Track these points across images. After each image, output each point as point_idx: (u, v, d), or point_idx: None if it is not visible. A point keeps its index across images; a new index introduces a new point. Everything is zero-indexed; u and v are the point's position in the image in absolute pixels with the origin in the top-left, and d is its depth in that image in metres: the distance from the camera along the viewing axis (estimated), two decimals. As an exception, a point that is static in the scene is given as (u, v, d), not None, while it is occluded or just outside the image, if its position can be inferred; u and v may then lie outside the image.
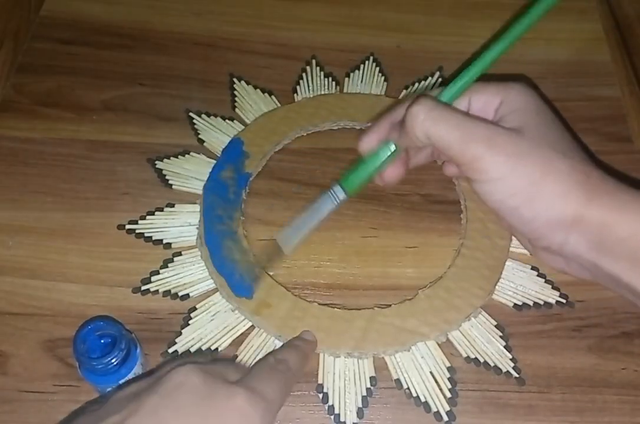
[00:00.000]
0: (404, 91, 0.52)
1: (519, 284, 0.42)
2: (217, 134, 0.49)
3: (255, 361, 0.39)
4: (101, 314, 0.40)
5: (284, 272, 0.43)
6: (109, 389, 0.36)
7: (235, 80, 0.52)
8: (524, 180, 0.32)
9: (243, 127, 0.49)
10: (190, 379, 0.30)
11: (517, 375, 0.39)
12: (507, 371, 0.39)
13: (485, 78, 0.36)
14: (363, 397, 0.38)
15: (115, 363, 0.34)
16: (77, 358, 0.34)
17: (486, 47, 0.35)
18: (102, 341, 0.35)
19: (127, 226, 0.44)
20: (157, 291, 0.42)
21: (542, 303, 0.42)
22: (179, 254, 0.43)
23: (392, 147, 0.36)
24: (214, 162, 0.47)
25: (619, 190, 0.33)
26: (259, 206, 0.46)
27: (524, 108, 0.35)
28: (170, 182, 0.46)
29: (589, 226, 0.32)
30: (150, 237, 0.44)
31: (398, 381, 0.39)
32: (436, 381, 0.39)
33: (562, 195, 0.32)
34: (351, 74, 0.53)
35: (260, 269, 0.42)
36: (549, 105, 0.36)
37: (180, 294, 0.42)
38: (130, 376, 0.36)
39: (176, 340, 0.40)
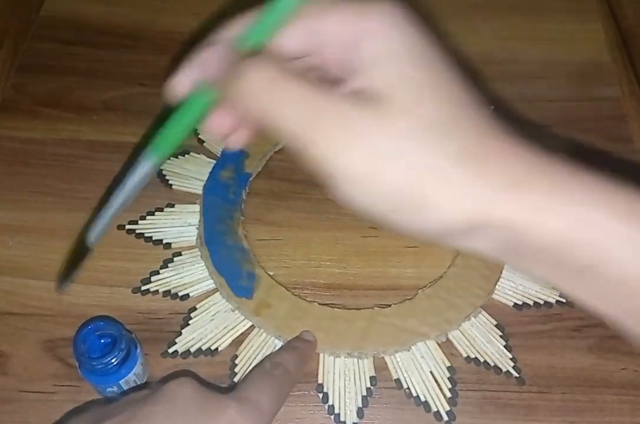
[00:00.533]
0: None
1: (519, 283, 0.42)
2: (217, 134, 0.49)
3: (255, 361, 0.39)
4: (101, 314, 0.40)
5: (284, 272, 0.43)
6: (109, 389, 0.36)
7: (235, 80, 0.52)
8: (393, 180, 0.22)
9: (243, 127, 0.49)
10: (184, 390, 0.30)
11: (517, 375, 0.39)
12: (507, 371, 0.39)
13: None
14: (363, 397, 0.38)
15: (115, 363, 0.34)
16: (77, 358, 0.34)
17: None
18: (102, 341, 0.35)
19: (127, 227, 0.44)
20: (157, 291, 0.42)
21: (542, 302, 0.42)
22: (179, 254, 0.43)
23: (210, 93, 0.25)
24: (214, 162, 0.47)
25: (541, 173, 0.23)
26: (259, 206, 0.46)
27: (398, 52, 0.23)
28: (170, 182, 0.46)
29: (493, 233, 0.23)
30: (150, 237, 0.44)
31: (398, 381, 0.39)
32: (436, 381, 0.39)
33: (448, 196, 0.22)
34: (351, 74, 0.53)
35: (67, 269, 0.35)
36: (434, 37, 0.24)
37: (180, 294, 0.42)
38: (130, 376, 0.36)
39: (176, 340, 0.40)
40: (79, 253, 0.33)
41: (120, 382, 0.35)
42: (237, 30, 0.25)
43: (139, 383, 0.37)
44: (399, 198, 0.23)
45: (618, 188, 0.23)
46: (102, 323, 0.35)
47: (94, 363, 0.34)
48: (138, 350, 0.36)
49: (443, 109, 0.23)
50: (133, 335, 0.37)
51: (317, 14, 0.24)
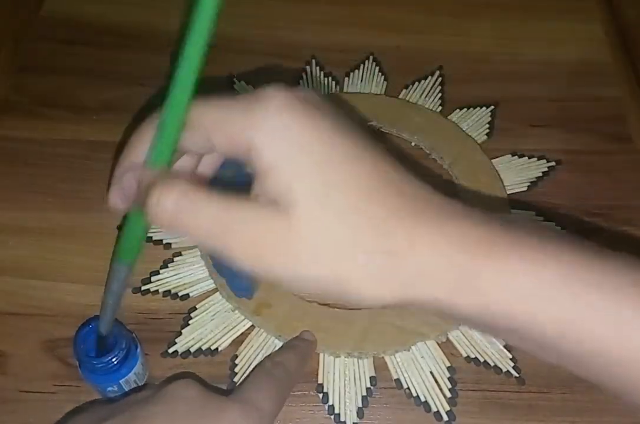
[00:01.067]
0: (404, 90, 0.52)
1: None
2: (217, 134, 0.49)
3: (255, 361, 0.39)
4: (101, 314, 0.40)
5: (284, 272, 0.43)
6: (109, 389, 0.36)
7: (235, 80, 0.52)
8: (313, 279, 0.23)
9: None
10: (186, 392, 0.31)
11: (517, 375, 0.39)
12: (507, 371, 0.39)
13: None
14: (363, 397, 0.38)
15: (115, 363, 0.34)
16: (77, 358, 0.34)
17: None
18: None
19: (127, 226, 0.44)
20: (157, 291, 0.42)
21: (542, 303, 0.42)
22: (179, 254, 0.43)
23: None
24: (214, 162, 0.47)
25: (447, 256, 0.22)
26: (259, 206, 0.46)
27: (283, 153, 0.23)
28: (170, 182, 0.46)
29: (426, 306, 0.23)
30: (150, 237, 0.44)
31: (398, 381, 0.39)
32: (436, 381, 0.39)
33: (367, 288, 0.23)
34: (351, 74, 0.53)
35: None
36: (328, 109, 0.24)
37: (180, 294, 0.42)
38: (130, 375, 0.36)
39: (176, 340, 0.40)
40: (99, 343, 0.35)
41: (120, 382, 0.35)
42: (141, 149, 0.25)
43: (139, 382, 0.37)
44: (324, 290, 0.23)
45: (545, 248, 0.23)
46: None
47: (94, 362, 0.34)
48: (138, 350, 0.36)
49: (350, 198, 0.22)
50: (133, 334, 0.37)
51: (204, 122, 0.24)
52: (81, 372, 0.36)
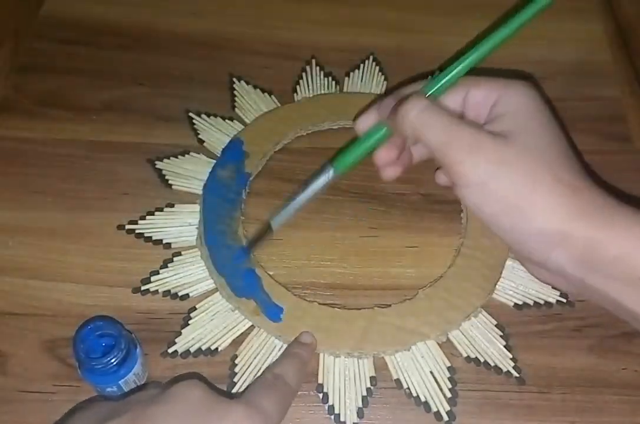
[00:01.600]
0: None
1: (519, 283, 0.42)
2: (216, 134, 0.49)
3: (255, 361, 0.39)
4: (101, 314, 0.40)
5: (284, 272, 0.43)
6: (108, 389, 0.36)
7: (235, 80, 0.52)
8: (504, 189, 0.31)
9: (243, 126, 0.49)
10: (192, 392, 0.31)
11: (517, 375, 0.39)
12: (508, 371, 0.39)
13: (491, 73, 0.35)
14: (363, 397, 0.38)
15: (115, 363, 0.34)
16: (77, 358, 0.34)
17: (479, 40, 0.34)
18: (102, 341, 0.35)
19: (127, 227, 0.44)
20: (157, 291, 0.42)
21: (542, 302, 0.42)
22: (179, 254, 0.43)
23: (385, 130, 0.35)
24: (214, 162, 0.47)
25: (609, 206, 0.31)
26: (259, 206, 0.46)
27: (520, 110, 0.33)
28: (170, 182, 0.46)
29: (575, 244, 0.30)
30: (150, 237, 0.44)
31: (398, 381, 0.39)
32: (436, 381, 0.39)
33: (544, 209, 0.30)
34: (351, 74, 0.53)
35: (250, 244, 0.43)
36: (550, 108, 0.34)
37: (180, 294, 0.42)
38: (130, 376, 0.36)
39: (176, 340, 0.40)
40: (263, 233, 0.41)
41: (119, 382, 0.35)
42: (409, 91, 0.35)
43: (138, 383, 0.37)
44: (507, 203, 0.31)
45: None
46: (101, 323, 0.35)
47: (94, 363, 0.34)
48: (138, 350, 0.36)
49: (546, 151, 0.32)
50: (133, 335, 0.37)
51: (472, 84, 0.35)
52: (80, 372, 0.36)
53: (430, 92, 0.34)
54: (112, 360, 0.34)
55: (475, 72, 0.35)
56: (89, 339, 0.35)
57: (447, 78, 0.34)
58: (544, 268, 0.33)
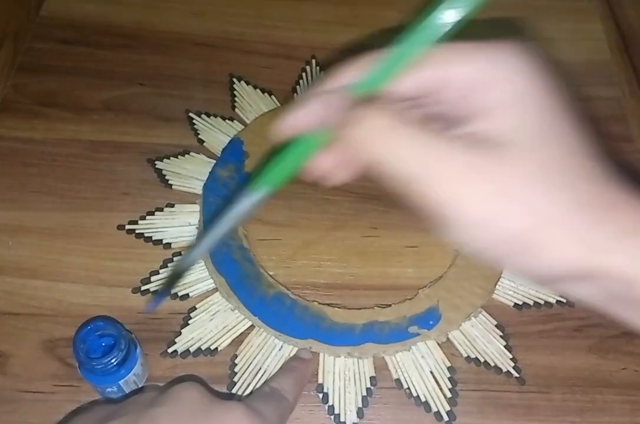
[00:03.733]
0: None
1: (519, 283, 0.42)
2: (216, 134, 0.49)
3: (255, 360, 0.39)
4: (101, 314, 0.40)
5: (284, 272, 0.43)
6: (108, 389, 0.36)
7: (235, 80, 0.52)
8: (513, 226, 0.23)
9: (243, 126, 0.49)
10: (191, 393, 0.31)
11: (517, 375, 0.39)
12: (508, 371, 0.39)
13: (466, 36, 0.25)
14: (363, 397, 0.38)
15: (115, 363, 0.34)
16: (77, 358, 0.34)
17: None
18: (102, 341, 0.35)
19: (127, 227, 0.44)
20: (157, 291, 0.42)
21: (542, 302, 0.42)
22: (179, 254, 0.43)
23: (321, 137, 0.26)
24: (214, 161, 0.47)
25: None
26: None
27: (522, 98, 0.23)
28: (170, 182, 0.46)
29: (606, 279, 0.23)
30: (150, 237, 0.44)
31: (398, 381, 0.39)
32: (436, 381, 0.39)
33: (564, 243, 0.23)
34: (351, 74, 0.53)
35: (162, 290, 0.40)
36: (557, 85, 0.24)
37: (180, 294, 0.42)
38: (130, 376, 0.36)
39: (176, 340, 0.40)
40: (174, 277, 0.36)
41: (119, 382, 0.35)
42: (353, 75, 0.25)
43: (138, 383, 0.37)
44: (518, 243, 0.23)
45: None
46: (102, 323, 0.35)
47: (94, 363, 0.34)
48: (138, 350, 0.36)
49: (562, 158, 0.23)
50: (133, 335, 0.37)
51: (444, 58, 0.24)
52: (81, 372, 0.36)
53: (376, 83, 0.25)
54: (112, 360, 0.34)
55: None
56: (89, 339, 0.35)
57: (392, 65, 0.25)
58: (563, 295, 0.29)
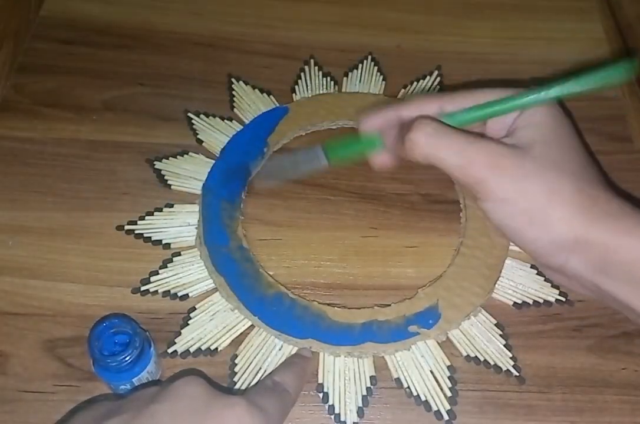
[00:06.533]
0: (402, 90, 0.52)
1: (518, 282, 0.42)
2: (215, 134, 0.49)
3: (255, 360, 0.39)
4: (100, 314, 0.40)
5: (284, 272, 0.43)
6: (122, 386, 0.36)
7: (233, 80, 0.52)
8: (528, 202, 0.32)
9: (241, 126, 0.49)
10: (192, 388, 0.31)
11: (517, 374, 0.39)
12: (507, 370, 0.39)
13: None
14: (363, 396, 0.38)
15: (129, 361, 0.34)
16: (92, 356, 0.34)
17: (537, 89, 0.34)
18: (117, 338, 0.35)
19: (127, 227, 0.44)
20: (156, 292, 0.42)
21: (541, 301, 0.42)
22: (178, 254, 0.43)
23: (379, 142, 0.36)
24: (213, 161, 0.47)
25: (625, 214, 0.32)
26: (259, 206, 0.46)
27: (541, 123, 0.34)
28: (169, 182, 0.46)
29: (591, 249, 0.32)
30: (150, 237, 0.44)
31: (398, 380, 0.39)
32: (436, 380, 0.39)
33: (565, 219, 0.32)
34: (350, 74, 0.53)
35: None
36: (572, 123, 0.35)
37: (179, 294, 0.42)
38: (143, 374, 0.36)
39: (176, 340, 0.40)
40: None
41: (133, 380, 0.35)
42: (419, 109, 0.36)
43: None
44: (531, 216, 0.32)
45: None
46: (117, 320, 0.35)
47: (108, 361, 0.34)
48: (152, 349, 0.36)
49: (567, 163, 0.33)
50: (147, 333, 0.37)
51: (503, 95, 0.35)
52: (94, 369, 0.36)
53: (453, 121, 0.34)
54: (127, 358, 0.34)
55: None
56: (104, 336, 0.35)
57: (478, 113, 0.34)
58: (562, 274, 0.34)
